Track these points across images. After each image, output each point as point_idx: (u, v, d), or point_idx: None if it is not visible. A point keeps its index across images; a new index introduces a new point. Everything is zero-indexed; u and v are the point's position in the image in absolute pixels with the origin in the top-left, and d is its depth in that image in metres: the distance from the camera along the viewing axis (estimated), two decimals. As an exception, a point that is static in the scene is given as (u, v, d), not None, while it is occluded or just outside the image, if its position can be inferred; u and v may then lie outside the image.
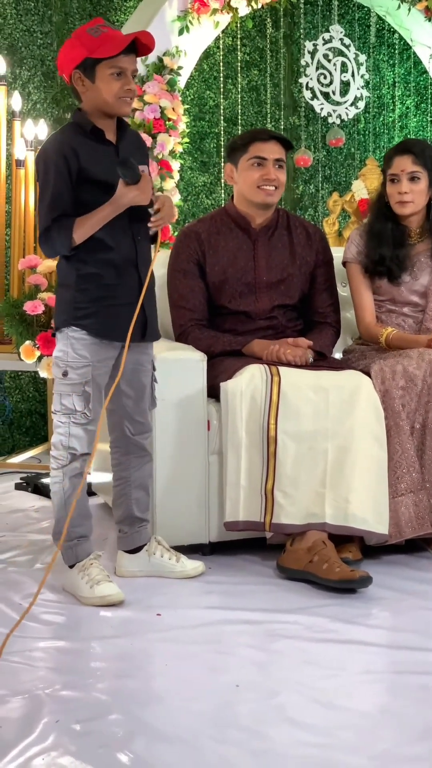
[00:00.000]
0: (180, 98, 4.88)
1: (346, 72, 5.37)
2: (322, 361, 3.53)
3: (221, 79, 5.82)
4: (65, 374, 2.97)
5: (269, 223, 3.70)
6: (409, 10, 5.40)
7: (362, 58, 5.42)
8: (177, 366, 3.37)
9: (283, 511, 3.21)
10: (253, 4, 5.02)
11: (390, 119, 6.27)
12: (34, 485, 4.40)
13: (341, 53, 5.36)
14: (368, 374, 3.40)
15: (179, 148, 4.86)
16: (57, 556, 2.87)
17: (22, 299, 4.20)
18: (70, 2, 5.65)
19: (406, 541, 3.37)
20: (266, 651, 2.63)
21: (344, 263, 3.80)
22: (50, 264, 4.09)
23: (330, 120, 5.38)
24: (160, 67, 4.81)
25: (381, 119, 6.29)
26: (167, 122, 4.77)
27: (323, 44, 5.32)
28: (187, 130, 4.95)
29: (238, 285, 3.64)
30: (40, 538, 3.63)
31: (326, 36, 5.34)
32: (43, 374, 4.11)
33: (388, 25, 5.78)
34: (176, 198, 4.84)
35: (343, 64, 5.35)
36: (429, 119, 6.17)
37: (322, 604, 2.95)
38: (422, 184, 3.64)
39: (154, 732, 2.14)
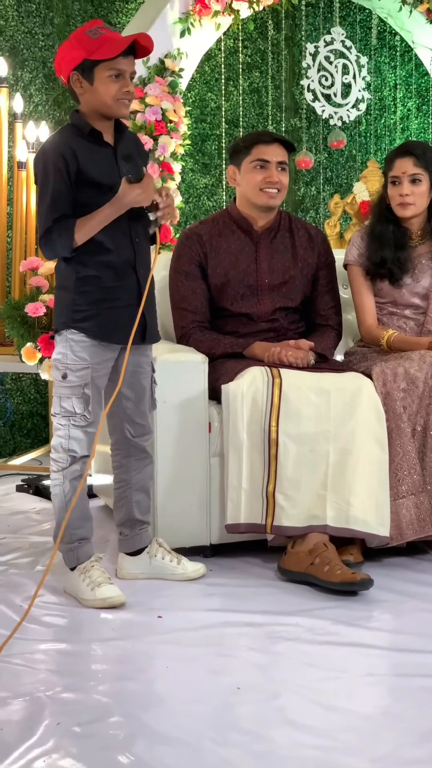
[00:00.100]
0: (181, 100, 4.88)
1: (348, 74, 5.38)
2: (323, 363, 3.53)
3: (223, 81, 5.83)
4: (65, 377, 2.97)
5: (271, 226, 3.70)
6: (411, 12, 5.40)
7: (363, 60, 5.43)
8: (178, 368, 3.37)
9: (284, 513, 3.21)
10: (254, 6, 5.03)
11: (391, 121, 6.27)
12: (35, 487, 4.40)
13: (342, 55, 5.37)
14: (369, 376, 3.40)
15: (180, 150, 4.87)
16: (55, 557, 2.87)
17: (24, 301, 4.20)
18: (71, 4, 5.65)
19: (408, 544, 3.37)
20: (267, 653, 2.62)
21: (345, 265, 3.80)
22: (51, 266, 4.09)
23: (331, 122, 5.38)
24: (161, 69, 4.82)
25: (382, 121, 6.29)
26: (168, 124, 4.77)
27: (325, 46, 5.32)
28: (189, 132, 4.95)
29: (240, 287, 3.64)
30: (41, 540, 3.63)
31: (328, 38, 5.34)
32: (44, 376, 4.11)
33: (390, 27, 5.78)
34: (178, 200, 4.85)
35: (345, 66, 5.36)
36: (430, 121, 6.17)
37: (323, 607, 2.95)
38: (423, 186, 3.64)
39: (155, 734, 2.14)
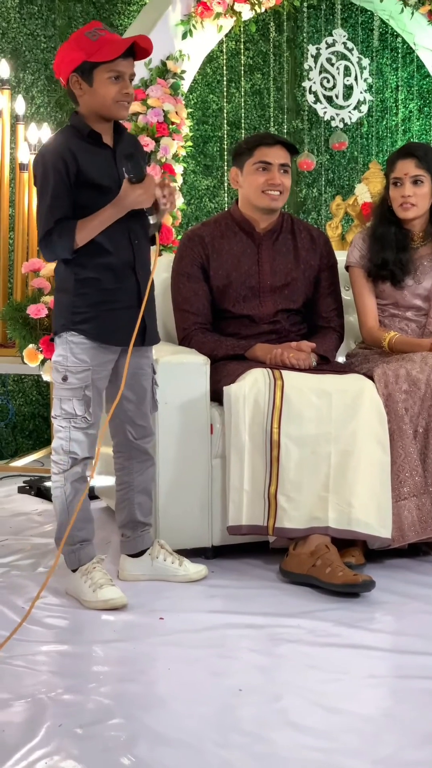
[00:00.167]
0: (183, 102, 4.89)
1: (350, 76, 5.38)
2: (325, 365, 3.53)
3: (224, 82, 5.83)
4: (65, 378, 2.97)
5: (274, 227, 3.70)
6: (413, 14, 5.41)
7: (365, 61, 5.43)
8: (180, 370, 3.37)
9: (286, 515, 3.20)
10: (256, 8, 5.03)
11: (393, 123, 6.27)
12: (37, 489, 4.40)
13: (344, 57, 5.37)
14: (371, 378, 3.40)
15: (182, 152, 4.87)
16: (58, 560, 2.87)
17: (26, 302, 4.21)
18: (73, 6, 5.66)
19: (409, 545, 3.37)
20: (269, 655, 2.62)
21: (347, 267, 3.80)
22: (53, 267, 4.09)
23: (333, 124, 5.38)
24: (163, 71, 4.82)
25: (384, 123, 6.29)
26: (170, 126, 4.78)
27: (326, 48, 5.33)
28: (191, 134, 4.96)
29: (242, 289, 3.64)
30: (42, 542, 3.63)
31: (329, 40, 5.35)
32: (46, 378, 4.11)
33: (392, 28, 5.78)
34: (179, 201, 4.85)
35: (347, 68, 5.36)
36: (432, 123, 6.17)
37: (325, 608, 2.95)
38: (425, 187, 3.64)
39: (156, 736, 2.13)
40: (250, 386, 3.26)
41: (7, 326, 4.32)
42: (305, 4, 5.55)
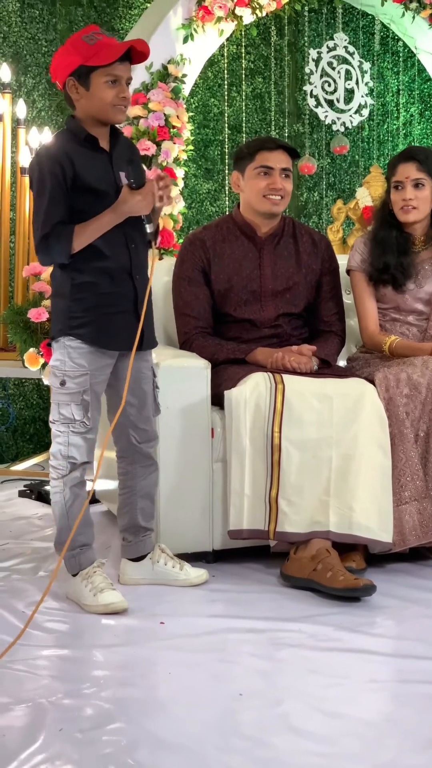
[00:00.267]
0: (184, 106, 4.89)
1: (351, 80, 5.38)
2: (326, 368, 3.53)
3: (225, 86, 5.83)
4: (63, 383, 2.96)
5: (275, 231, 3.70)
6: (414, 18, 5.40)
7: (366, 65, 5.43)
8: (181, 373, 3.37)
9: (287, 519, 3.20)
10: (257, 12, 5.03)
11: (394, 127, 6.27)
12: (38, 492, 4.40)
13: (345, 61, 5.37)
14: (372, 382, 3.40)
15: (183, 156, 4.87)
16: (60, 565, 2.87)
17: (26, 306, 4.21)
18: (74, 10, 5.66)
19: (410, 550, 3.37)
20: (270, 659, 2.62)
21: (348, 271, 3.80)
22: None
23: (334, 127, 5.38)
24: (164, 75, 4.82)
25: (385, 127, 6.29)
26: (171, 130, 4.78)
27: (327, 52, 5.33)
28: (192, 138, 4.96)
29: (244, 293, 3.64)
30: (43, 546, 3.62)
31: (330, 44, 5.35)
32: (46, 381, 4.11)
33: (393, 32, 5.78)
34: (180, 205, 4.85)
35: (348, 72, 5.36)
36: (433, 127, 6.17)
37: (325, 613, 2.95)
38: (426, 191, 3.64)
39: (157, 740, 2.13)
40: (251, 390, 3.26)
41: (8, 330, 4.32)
42: (306, 8, 5.55)
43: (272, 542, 3.33)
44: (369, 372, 3.51)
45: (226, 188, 5.86)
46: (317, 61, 5.30)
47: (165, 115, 4.75)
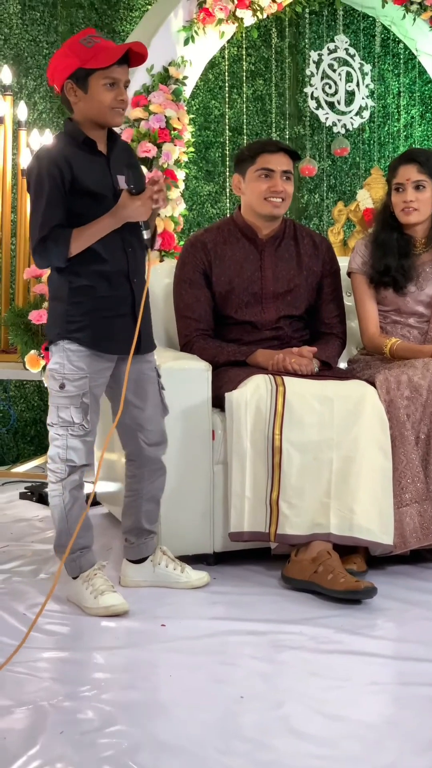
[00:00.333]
0: (185, 108, 4.89)
1: (351, 82, 5.39)
2: (327, 371, 3.53)
3: (226, 88, 5.83)
4: (62, 387, 2.95)
5: (276, 234, 3.70)
6: (414, 19, 5.41)
7: (367, 67, 5.44)
8: (182, 376, 3.37)
9: (288, 521, 3.20)
10: (258, 14, 5.04)
11: (395, 129, 6.28)
12: (39, 494, 4.40)
13: (346, 63, 5.38)
14: (373, 384, 3.40)
15: (184, 158, 4.87)
16: (61, 569, 2.87)
17: (27, 308, 4.21)
18: (75, 12, 5.67)
19: (411, 552, 3.37)
20: (271, 662, 2.62)
21: (349, 273, 3.80)
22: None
23: (335, 129, 5.39)
24: (165, 77, 4.83)
25: (386, 129, 6.30)
26: (172, 132, 4.78)
27: (328, 54, 5.34)
28: (192, 140, 4.96)
29: (245, 295, 3.64)
30: (44, 548, 3.62)
31: (331, 46, 5.35)
32: (47, 384, 4.10)
33: (393, 34, 5.79)
34: (181, 207, 4.85)
35: (348, 74, 5.37)
36: (434, 129, 6.18)
37: (326, 615, 2.95)
38: (427, 192, 3.64)
39: (158, 743, 2.13)
40: (252, 392, 3.26)
41: (9, 332, 4.32)
42: (307, 10, 5.55)
43: (273, 544, 3.33)
44: (370, 374, 3.51)
45: (227, 190, 5.86)
46: (318, 63, 5.30)
47: (166, 117, 4.75)
